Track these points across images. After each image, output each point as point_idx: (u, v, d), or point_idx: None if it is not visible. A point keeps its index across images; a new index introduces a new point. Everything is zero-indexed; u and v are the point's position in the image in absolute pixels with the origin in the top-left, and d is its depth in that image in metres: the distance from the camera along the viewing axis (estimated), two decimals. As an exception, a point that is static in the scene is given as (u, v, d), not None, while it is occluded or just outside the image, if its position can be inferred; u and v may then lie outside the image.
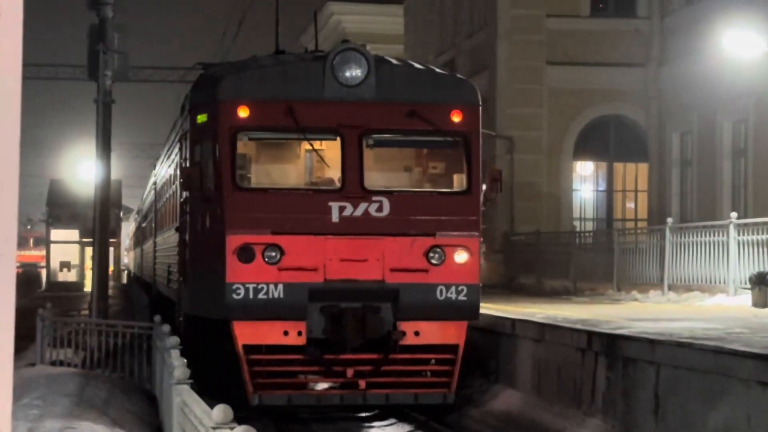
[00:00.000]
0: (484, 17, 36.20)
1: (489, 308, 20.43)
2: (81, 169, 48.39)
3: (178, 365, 10.52)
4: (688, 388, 12.20)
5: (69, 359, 19.49)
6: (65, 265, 55.65)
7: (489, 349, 19.10)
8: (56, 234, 55.17)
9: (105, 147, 21.34)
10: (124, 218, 62.39)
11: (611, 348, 14.29)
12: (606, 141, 35.03)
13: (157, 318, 17.53)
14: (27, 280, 50.81)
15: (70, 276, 55.50)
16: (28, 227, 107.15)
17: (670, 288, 23.90)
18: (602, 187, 35.54)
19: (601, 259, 27.54)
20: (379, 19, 53.89)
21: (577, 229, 32.58)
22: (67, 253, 55.50)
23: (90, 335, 19.63)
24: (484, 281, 34.32)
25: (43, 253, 63.33)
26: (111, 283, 25.86)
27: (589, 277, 27.74)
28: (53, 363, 19.57)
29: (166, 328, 15.71)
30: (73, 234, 54.02)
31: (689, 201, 32.94)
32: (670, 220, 25.29)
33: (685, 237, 23.85)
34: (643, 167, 35.04)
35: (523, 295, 27.98)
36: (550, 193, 34.47)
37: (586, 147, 34.96)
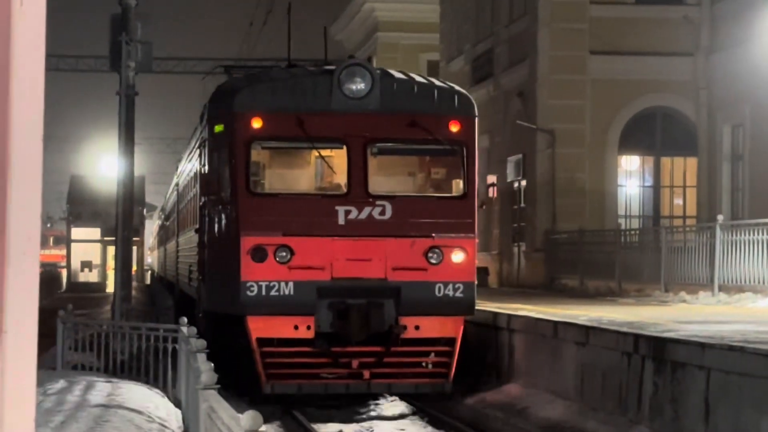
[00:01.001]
0: (524, 4, 35.72)
1: (529, 310, 20.91)
2: (103, 164, 48.17)
3: (204, 369, 10.21)
4: (740, 394, 12.10)
5: (91, 363, 19.22)
6: (86, 264, 55.21)
7: (529, 353, 19.16)
8: (77, 232, 54.78)
9: (128, 141, 20.87)
10: (147, 216, 62.09)
11: (659, 352, 14.15)
12: (652, 134, 34.52)
13: (183, 320, 17.34)
14: (47, 280, 50.49)
15: (92, 276, 55.12)
16: (48, 225, 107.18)
17: (720, 289, 23.50)
18: (649, 182, 35.08)
19: (647, 259, 27.05)
20: (413, 6, 53.24)
21: (623, 226, 31.92)
22: (88, 252, 55.13)
23: (112, 338, 19.26)
24: (524, 282, 34.06)
25: (63, 252, 63.14)
26: (134, 284, 25.39)
27: (635, 277, 27.35)
28: (74, 367, 19.42)
29: (192, 330, 15.67)
30: (95, 232, 53.65)
31: (740, 197, 32.56)
32: (720, 217, 24.97)
33: (736, 235, 23.43)
34: (692, 162, 34.54)
35: (566, 296, 27.99)
36: (594, 189, 33.92)
37: (631, 140, 34.40)
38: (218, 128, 18.95)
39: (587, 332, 16.53)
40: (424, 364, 18.78)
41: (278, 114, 18.25)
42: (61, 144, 75.86)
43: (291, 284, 18.01)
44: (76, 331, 19.67)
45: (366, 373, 18.43)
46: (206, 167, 19.75)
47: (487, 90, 38.99)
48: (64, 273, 61.00)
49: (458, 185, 18.94)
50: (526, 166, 34.95)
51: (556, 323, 17.86)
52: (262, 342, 18.12)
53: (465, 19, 42.28)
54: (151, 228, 77.64)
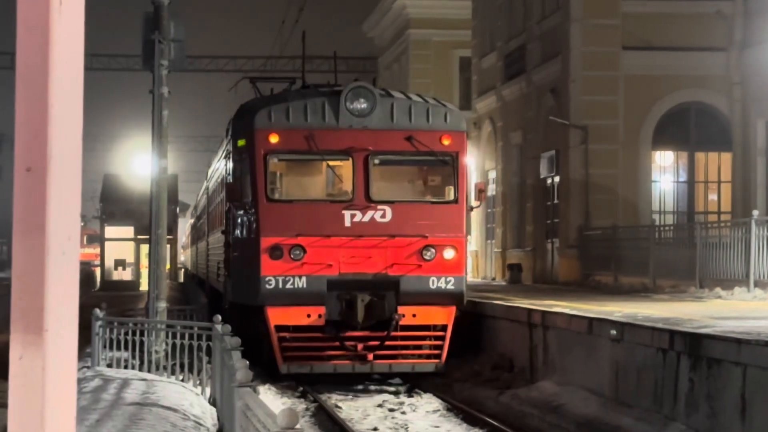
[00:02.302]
0: (556, 0, 35.32)
1: (563, 307, 20.68)
2: (135, 163, 48.03)
3: (240, 367, 10.29)
4: (777, 390, 12.08)
5: (126, 361, 19.24)
6: (120, 263, 54.92)
7: (563, 350, 19.11)
8: (110, 231, 54.59)
9: (161, 139, 20.76)
10: (180, 214, 61.87)
11: (695, 348, 14.10)
12: (686, 129, 34.26)
13: (217, 317, 17.33)
14: (81, 278, 50.36)
15: (125, 275, 54.97)
16: (82, 224, 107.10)
17: (756, 284, 23.25)
18: (683, 178, 34.80)
19: (682, 255, 26.82)
20: (445, 3, 52.99)
21: (657, 222, 31.65)
22: (121, 251, 54.94)
23: (147, 336, 19.22)
24: (558, 278, 33.91)
25: (97, 251, 62.97)
26: (167, 282, 25.40)
27: (670, 273, 27.10)
28: (109, 365, 19.33)
29: (227, 328, 15.61)
30: (128, 231, 53.50)
31: (776, 192, 32.06)
32: (755, 212, 24.75)
33: (771, 230, 23.14)
34: (726, 157, 34.23)
35: (600, 292, 27.75)
36: (628, 185, 33.68)
37: (665, 136, 34.12)
38: (241, 143, 21.66)
39: (622, 328, 16.47)
40: (421, 346, 21.34)
41: (292, 130, 21.02)
42: (93, 142, 75.96)
43: (304, 278, 20.71)
44: (111, 329, 19.67)
45: (369, 356, 21.00)
46: (231, 176, 22.64)
47: (520, 86, 38.86)
48: (97, 271, 61.04)
49: (449, 192, 21.57)
50: (560, 162, 34.78)
51: (590, 320, 17.81)
52: (279, 328, 20.83)
53: (497, 16, 42.10)
54: (184, 226, 77.55)
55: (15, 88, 3.27)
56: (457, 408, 18.63)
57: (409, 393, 20.53)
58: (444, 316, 21.20)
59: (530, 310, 20.81)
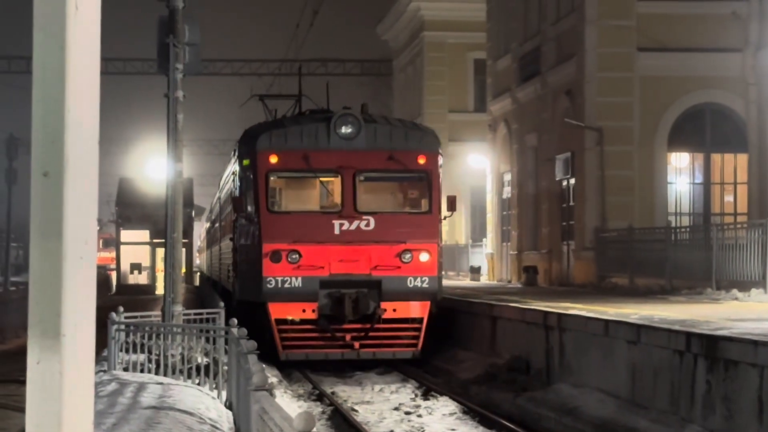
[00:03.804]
0: (571, 2, 35.43)
1: (579, 309, 20.59)
2: (150, 166, 47.80)
3: (256, 371, 10.24)
4: (795, 393, 12.04)
5: (142, 364, 19.21)
6: (136, 267, 54.73)
7: (579, 352, 19.07)
8: (126, 235, 54.43)
9: (176, 143, 20.74)
10: (195, 218, 61.77)
11: (711, 350, 14.06)
12: (702, 131, 34.10)
13: (233, 321, 17.32)
14: (98, 282, 50.28)
15: (141, 278, 54.84)
16: (98, 228, 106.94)
17: (772, 285, 23.03)
18: (699, 179, 34.63)
19: (698, 256, 26.69)
20: (459, 5, 52.95)
21: (673, 224, 31.49)
22: (137, 254, 54.80)
23: (163, 339, 19.18)
24: (574, 280, 33.85)
25: (113, 254, 62.82)
26: (183, 285, 25.50)
27: (686, 275, 26.98)
28: (125, 369, 19.28)
29: (243, 331, 15.58)
30: (144, 235, 53.37)
31: (792, 193, 31.84)
32: (771, 213, 24.29)
33: (788, 231, 23.00)
34: (743, 158, 34.05)
35: (616, 294, 27.61)
36: (643, 186, 33.55)
37: (680, 137, 33.98)
38: (245, 162, 25.08)
39: (638, 331, 16.45)
40: (401, 336, 24.30)
41: (290, 152, 24.35)
42: (108, 146, 75.98)
43: (299, 279, 23.93)
44: (127, 333, 19.64)
45: (356, 344, 24.22)
46: (237, 191, 26.11)
47: (535, 88, 38.80)
48: (113, 275, 60.97)
49: (425, 203, 24.91)
50: (575, 164, 34.71)
51: (606, 322, 17.78)
52: (279, 322, 24.13)
53: (512, 18, 42.01)
54: (200, 230, 77.49)
55: (32, 93, 3.26)
56: (473, 411, 18.63)
57: (426, 396, 20.55)
58: (420, 310, 24.53)
59: (546, 313, 20.77)
